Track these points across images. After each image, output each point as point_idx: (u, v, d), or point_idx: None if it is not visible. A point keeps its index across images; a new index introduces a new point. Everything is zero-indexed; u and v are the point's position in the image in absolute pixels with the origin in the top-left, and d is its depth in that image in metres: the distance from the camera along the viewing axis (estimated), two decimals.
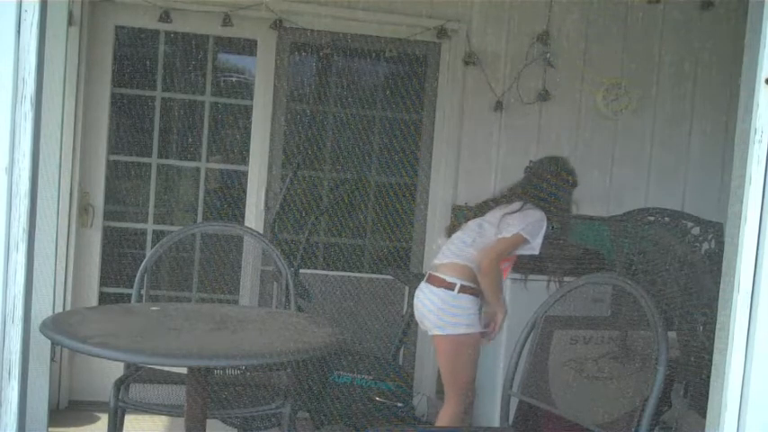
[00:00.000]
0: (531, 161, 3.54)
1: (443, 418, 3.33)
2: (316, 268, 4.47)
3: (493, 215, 3.32)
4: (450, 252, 3.31)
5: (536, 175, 3.38)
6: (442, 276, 3.26)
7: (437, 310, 3.24)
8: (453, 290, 3.22)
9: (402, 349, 4.23)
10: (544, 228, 3.25)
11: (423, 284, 3.36)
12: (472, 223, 3.36)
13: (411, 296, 4.12)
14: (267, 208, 4.39)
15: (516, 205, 3.29)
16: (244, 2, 4.21)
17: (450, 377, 3.31)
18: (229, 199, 4.56)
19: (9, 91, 1.71)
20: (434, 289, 3.26)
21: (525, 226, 3.22)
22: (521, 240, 3.22)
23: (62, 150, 3.77)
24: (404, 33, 4.36)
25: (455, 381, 3.30)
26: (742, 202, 1.76)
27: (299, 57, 4.57)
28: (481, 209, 3.42)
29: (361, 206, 4.59)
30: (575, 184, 3.39)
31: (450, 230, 3.50)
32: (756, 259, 1.75)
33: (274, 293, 4.00)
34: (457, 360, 3.25)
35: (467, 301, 3.23)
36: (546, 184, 3.31)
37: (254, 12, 4.25)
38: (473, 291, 3.24)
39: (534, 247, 3.24)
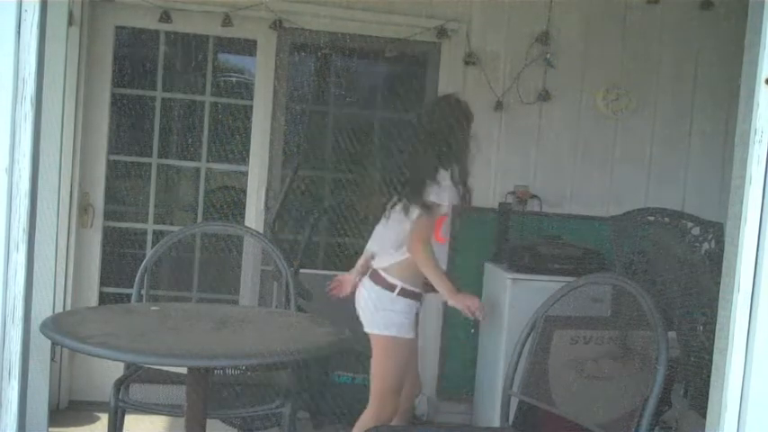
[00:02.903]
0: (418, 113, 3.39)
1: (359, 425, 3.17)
2: (316, 268, 4.47)
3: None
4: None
5: (429, 124, 3.23)
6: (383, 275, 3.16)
7: (372, 308, 3.15)
8: (393, 291, 3.13)
9: None
10: (443, 183, 3.10)
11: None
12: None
13: None
14: (267, 208, 4.39)
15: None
16: (244, 2, 4.21)
17: (376, 380, 3.19)
18: (229, 199, 4.56)
19: (9, 91, 1.70)
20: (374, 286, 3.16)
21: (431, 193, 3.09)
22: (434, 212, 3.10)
23: (62, 150, 3.78)
24: (404, 33, 4.36)
25: (380, 384, 3.18)
26: (742, 203, 1.76)
27: (299, 57, 4.57)
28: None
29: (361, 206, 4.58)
30: (471, 118, 3.26)
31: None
32: (756, 259, 1.75)
33: (274, 293, 4.00)
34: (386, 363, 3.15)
35: (404, 304, 3.13)
36: (442, 127, 3.17)
37: (254, 12, 4.25)
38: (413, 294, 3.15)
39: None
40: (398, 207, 3.16)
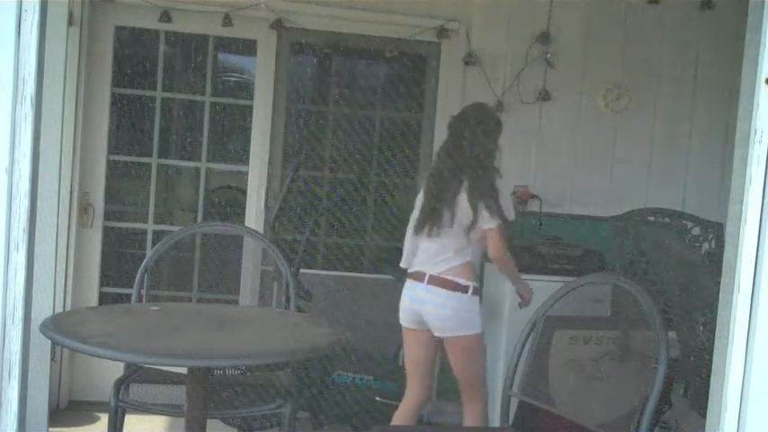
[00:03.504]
0: (451, 116, 3.51)
1: (476, 417, 3.37)
2: (316, 268, 4.47)
3: (462, 202, 3.25)
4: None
5: (460, 130, 3.37)
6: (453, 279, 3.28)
7: (456, 313, 3.27)
8: (467, 292, 3.28)
9: (402, 349, 4.22)
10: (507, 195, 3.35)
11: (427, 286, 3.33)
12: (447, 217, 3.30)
13: None
14: (267, 208, 4.39)
15: (474, 191, 3.25)
16: (244, 2, 4.21)
17: (475, 376, 3.37)
18: (230, 199, 4.57)
19: (9, 91, 1.71)
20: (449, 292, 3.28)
21: (503, 210, 3.26)
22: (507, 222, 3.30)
23: (62, 150, 3.78)
24: (404, 33, 4.36)
25: (477, 379, 3.36)
26: (742, 202, 1.76)
27: (299, 57, 4.57)
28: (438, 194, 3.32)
29: (361, 206, 4.58)
30: (492, 129, 3.38)
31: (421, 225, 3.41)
32: (756, 259, 1.75)
33: (274, 293, 4.00)
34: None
35: (477, 302, 3.31)
36: (471, 135, 3.31)
37: (254, 12, 4.25)
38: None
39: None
40: (465, 215, 3.25)
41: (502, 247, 3.29)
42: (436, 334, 3.34)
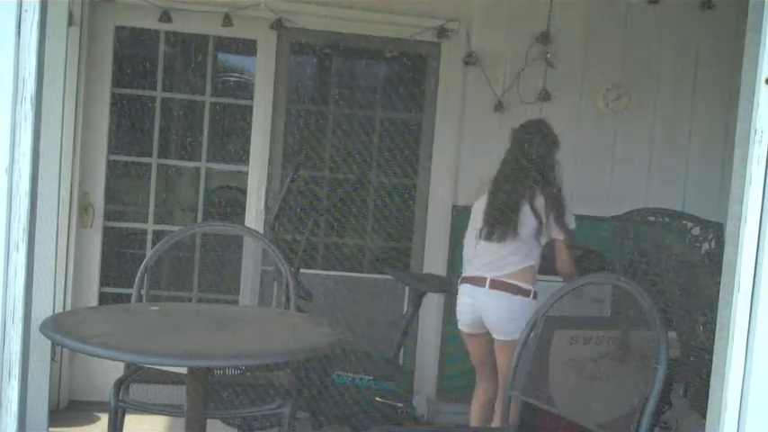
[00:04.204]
0: (515, 128, 3.57)
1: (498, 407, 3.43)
2: (316, 268, 4.47)
3: (533, 209, 3.34)
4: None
5: (530, 141, 3.45)
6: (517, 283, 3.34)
7: (518, 317, 3.27)
8: (529, 296, 3.34)
9: (402, 349, 4.23)
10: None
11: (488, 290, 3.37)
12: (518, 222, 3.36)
13: (411, 296, 4.13)
14: (267, 208, 4.39)
15: (542, 199, 3.34)
16: (244, 2, 4.21)
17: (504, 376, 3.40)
18: (230, 199, 4.57)
19: (9, 91, 1.71)
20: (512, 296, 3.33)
21: (568, 220, 3.37)
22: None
23: (62, 150, 3.78)
24: (404, 33, 4.36)
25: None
26: (742, 202, 1.76)
27: (299, 57, 4.57)
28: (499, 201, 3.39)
29: (361, 206, 4.58)
30: (557, 143, 3.49)
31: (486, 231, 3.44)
32: (756, 259, 1.75)
33: (274, 293, 4.00)
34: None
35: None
36: (534, 146, 3.41)
37: (254, 12, 4.25)
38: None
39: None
40: (535, 222, 3.34)
41: (568, 260, 3.39)
42: (494, 336, 3.39)
